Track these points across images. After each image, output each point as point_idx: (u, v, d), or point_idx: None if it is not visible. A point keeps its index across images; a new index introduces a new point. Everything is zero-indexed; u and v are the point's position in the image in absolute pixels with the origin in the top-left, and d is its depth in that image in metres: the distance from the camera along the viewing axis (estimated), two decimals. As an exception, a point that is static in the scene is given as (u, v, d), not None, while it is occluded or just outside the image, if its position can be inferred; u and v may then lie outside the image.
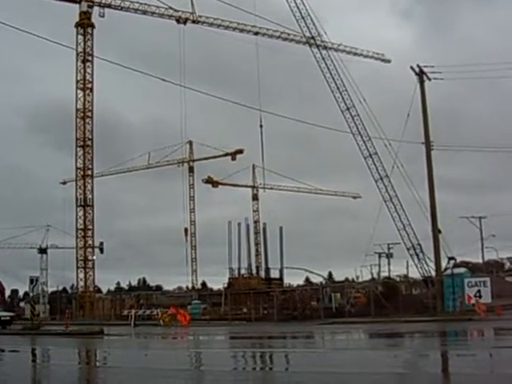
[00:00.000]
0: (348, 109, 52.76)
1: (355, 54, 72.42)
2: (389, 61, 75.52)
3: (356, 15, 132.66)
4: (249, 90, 77.16)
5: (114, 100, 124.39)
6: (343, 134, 53.55)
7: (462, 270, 47.60)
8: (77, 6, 68.92)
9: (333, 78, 53.24)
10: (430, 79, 49.08)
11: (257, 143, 69.42)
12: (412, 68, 49.07)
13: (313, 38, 54.61)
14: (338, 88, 53.03)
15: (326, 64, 53.68)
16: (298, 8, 53.85)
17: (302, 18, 54.17)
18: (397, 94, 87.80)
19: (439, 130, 50.76)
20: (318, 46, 54.52)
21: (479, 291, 41.32)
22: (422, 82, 48.84)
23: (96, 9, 68.97)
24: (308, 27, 54.35)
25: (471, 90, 78.94)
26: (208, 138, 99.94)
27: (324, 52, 54.40)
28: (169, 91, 75.33)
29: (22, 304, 72.72)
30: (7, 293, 77.29)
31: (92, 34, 69.84)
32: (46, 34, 28.52)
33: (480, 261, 69.35)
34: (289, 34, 69.09)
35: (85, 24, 69.23)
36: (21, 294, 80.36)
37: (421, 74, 48.76)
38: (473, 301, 40.10)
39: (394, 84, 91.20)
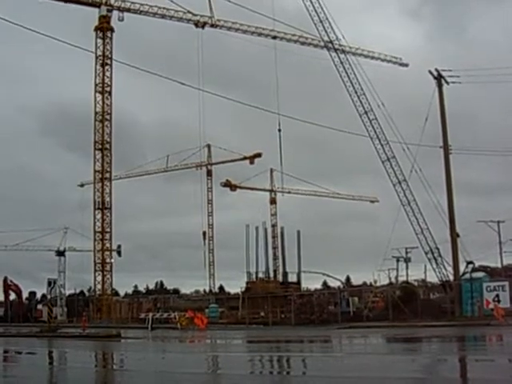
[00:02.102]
0: (366, 113, 52.67)
1: (372, 57, 72.11)
2: (406, 65, 75.22)
3: (363, 17, 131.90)
4: (265, 92, 77.30)
5: (130, 103, 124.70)
6: (360, 137, 53.48)
7: (480, 274, 47.40)
8: (96, 9, 69.36)
9: (351, 82, 53.19)
10: (448, 83, 48.97)
11: (274, 147, 69.50)
12: (430, 72, 49.03)
13: (331, 41, 54.53)
14: (355, 92, 52.96)
15: (344, 68, 53.62)
16: (316, 12, 53.84)
17: (320, 21, 54.13)
18: (410, 96, 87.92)
19: (455, 133, 50.61)
20: (336, 50, 54.46)
21: (498, 296, 41.14)
22: (440, 86, 48.77)
23: (115, 13, 69.38)
24: (326, 31, 54.31)
25: (488, 92, 78.44)
26: (226, 141, 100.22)
27: (342, 56, 54.34)
28: (186, 94, 75.75)
29: (39, 306, 72.96)
30: (24, 295, 77.64)
31: (111, 38, 70.24)
32: (60, 37, 28.58)
33: (498, 265, 68.76)
34: (307, 38, 69.01)
35: (104, 28, 69.61)
36: (38, 296, 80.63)
37: (439, 78, 48.70)
38: (491, 305, 39.85)
39: (407, 86, 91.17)
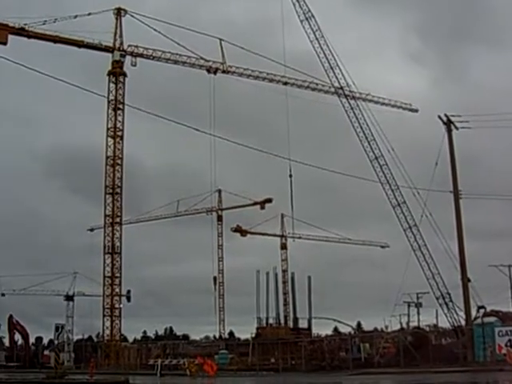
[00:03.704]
0: (376, 158, 52.70)
1: (383, 103, 72.60)
2: (416, 110, 75.72)
3: (365, 62, 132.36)
4: (276, 137, 77.59)
5: (139, 147, 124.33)
6: (370, 182, 53.40)
7: (492, 319, 46.75)
8: (109, 54, 70.41)
9: (361, 128, 53.34)
10: (457, 128, 49.03)
11: (285, 192, 69.26)
12: (440, 117, 49.12)
13: (341, 88, 54.90)
14: (366, 137, 53.06)
15: (354, 114, 53.85)
16: (327, 58, 54.29)
17: (331, 68, 54.55)
18: (417, 140, 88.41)
19: (465, 178, 50.50)
20: (346, 96, 54.80)
21: (510, 341, 40.61)
22: (449, 131, 48.79)
23: (128, 58, 70.29)
24: (336, 77, 54.69)
25: (497, 137, 78.10)
26: (236, 186, 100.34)
27: (352, 102, 54.66)
28: (196, 139, 75.47)
29: (46, 352, 72.30)
30: (31, 340, 76.83)
31: (124, 83, 71.08)
32: (70, 81, 28.84)
33: (510, 310, 67.94)
34: (317, 84, 69.60)
35: (117, 73, 70.53)
36: (45, 341, 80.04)
37: (448, 124, 48.73)
38: (504, 350, 39.35)
39: (414, 130, 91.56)
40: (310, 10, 54.88)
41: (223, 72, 70.19)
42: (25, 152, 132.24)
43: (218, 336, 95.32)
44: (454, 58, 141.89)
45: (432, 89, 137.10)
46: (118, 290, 71.13)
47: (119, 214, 71.31)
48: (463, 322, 46.98)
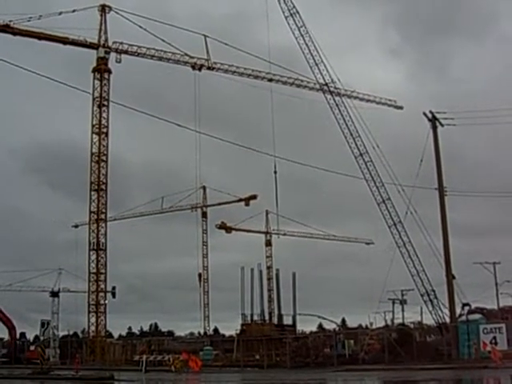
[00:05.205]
0: (361, 155, 52.78)
1: (368, 100, 72.58)
2: (401, 107, 75.74)
3: (344, 57, 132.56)
4: (260, 133, 77.56)
5: (122, 143, 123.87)
6: (355, 179, 53.55)
7: (476, 316, 47.07)
8: (94, 51, 69.93)
9: (346, 124, 53.38)
10: (442, 125, 49.19)
11: (269, 188, 69.13)
12: (425, 114, 49.25)
13: (326, 84, 54.95)
14: (351, 134, 53.12)
15: (339, 110, 53.90)
16: (312, 55, 54.27)
17: (316, 64, 54.58)
18: (399, 137, 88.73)
19: (450, 174, 50.65)
20: (331, 93, 54.83)
21: (495, 338, 40.84)
22: (434, 128, 48.93)
23: (113, 55, 69.97)
24: (321, 74, 54.72)
25: (481, 133, 78.37)
26: (221, 183, 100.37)
27: (337, 98, 54.69)
28: (180, 136, 75.25)
29: (31, 348, 71.90)
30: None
31: (108, 80, 70.69)
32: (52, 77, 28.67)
33: (495, 307, 68.42)
34: (302, 81, 69.50)
35: (102, 69, 70.13)
36: (30, 337, 79.67)
37: (433, 120, 48.87)
38: (488, 348, 39.57)
39: (396, 127, 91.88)
40: (294, 6, 54.83)
41: (208, 68, 69.91)
42: (5, 149, 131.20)
43: (202, 332, 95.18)
44: (434, 52, 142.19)
45: (413, 83, 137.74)
46: (103, 286, 70.84)
47: (104, 210, 71.02)
48: (448, 319, 47.17)
